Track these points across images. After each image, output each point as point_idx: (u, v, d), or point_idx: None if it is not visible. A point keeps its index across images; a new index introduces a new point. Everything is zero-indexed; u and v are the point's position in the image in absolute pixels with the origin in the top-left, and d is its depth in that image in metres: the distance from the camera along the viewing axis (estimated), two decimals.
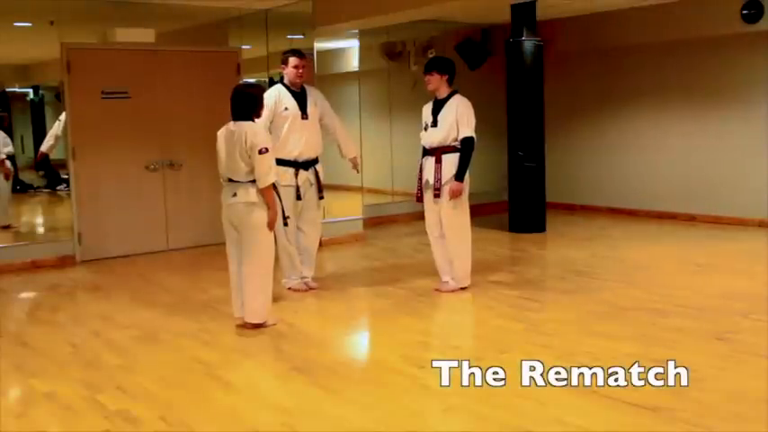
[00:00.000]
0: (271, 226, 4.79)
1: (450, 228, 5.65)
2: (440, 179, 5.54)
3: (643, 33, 8.95)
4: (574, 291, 5.79)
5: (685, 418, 3.33)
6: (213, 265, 6.79)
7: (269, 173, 4.71)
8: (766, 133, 8.17)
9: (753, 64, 8.24)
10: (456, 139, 5.52)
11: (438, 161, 5.54)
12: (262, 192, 4.71)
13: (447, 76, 5.60)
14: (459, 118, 5.51)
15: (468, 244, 5.74)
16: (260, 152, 4.63)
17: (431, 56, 9.53)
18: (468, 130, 5.51)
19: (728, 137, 8.49)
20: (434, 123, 5.58)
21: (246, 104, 4.79)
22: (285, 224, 5.33)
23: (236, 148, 4.69)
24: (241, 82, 7.62)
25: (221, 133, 4.85)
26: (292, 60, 5.69)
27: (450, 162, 5.52)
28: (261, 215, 4.74)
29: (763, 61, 8.15)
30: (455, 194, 5.52)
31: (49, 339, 4.89)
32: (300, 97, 5.74)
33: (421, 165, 5.72)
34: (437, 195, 5.57)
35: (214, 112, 8.00)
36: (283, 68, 5.77)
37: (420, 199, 5.78)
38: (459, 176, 5.50)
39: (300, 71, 5.69)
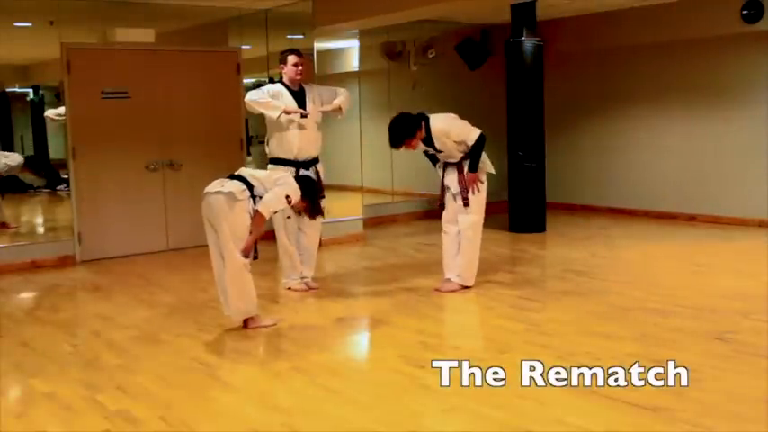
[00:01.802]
0: (245, 252, 4.69)
1: (463, 224, 5.67)
2: (465, 188, 5.60)
3: (643, 33, 8.95)
4: (574, 291, 5.79)
5: (685, 418, 3.33)
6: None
7: (276, 206, 4.73)
8: (766, 133, 8.17)
9: (753, 64, 8.23)
10: (468, 147, 5.57)
11: (460, 171, 5.62)
12: (255, 213, 4.66)
13: (416, 132, 5.46)
14: (455, 137, 5.53)
15: (477, 244, 5.75)
16: (286, 198, 4.70)
17: (431, 56, 9.55)
18: (472, 134, 5.53)
19: (728, 137, 8.49)
20: (439, 151, 5.63)
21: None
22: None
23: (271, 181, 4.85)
24: None
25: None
26: (291, 59, 5.70)
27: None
28: (241, 214, 4.66)
29: (763, 61, 8.15)
30: (472, 182, 5.58)
31: (49, 339, 4.90)
32: (299, 96, 5.75)
33: (443, 171, 5.74)
34: (466, 204, 5.62)
35: (214, 112, 8.07)
36: (282, 68, 5.78)
37: (442, 207, 5.80)
38: (472, 168, 5.57)
39: (300, 69, 5.71)
